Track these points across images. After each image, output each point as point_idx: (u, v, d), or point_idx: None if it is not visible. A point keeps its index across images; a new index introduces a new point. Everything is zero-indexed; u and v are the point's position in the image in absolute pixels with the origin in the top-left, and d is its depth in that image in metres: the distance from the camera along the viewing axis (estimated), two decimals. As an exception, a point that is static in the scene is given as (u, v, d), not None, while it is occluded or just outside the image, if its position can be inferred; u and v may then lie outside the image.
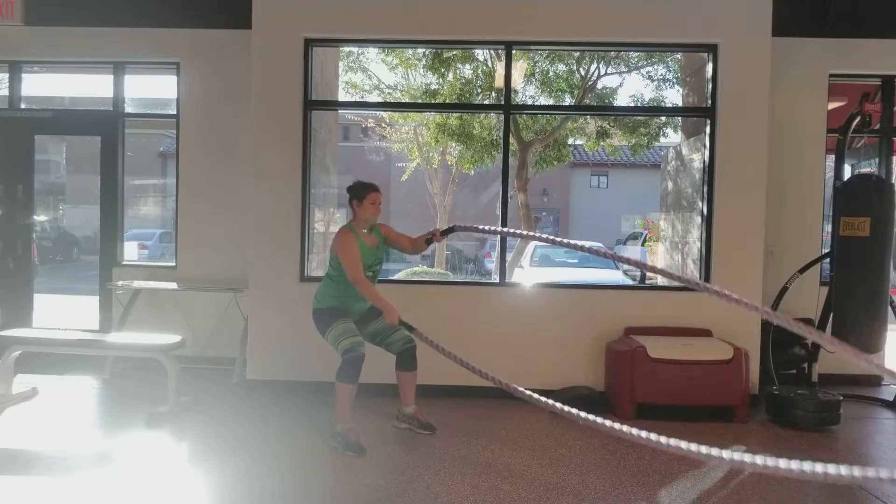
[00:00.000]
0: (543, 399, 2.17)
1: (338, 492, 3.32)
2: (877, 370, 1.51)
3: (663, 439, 1.52)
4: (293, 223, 5.12)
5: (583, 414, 1.81)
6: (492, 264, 14.36)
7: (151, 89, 7.64)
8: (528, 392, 2.27)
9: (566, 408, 1.86)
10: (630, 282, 11.86)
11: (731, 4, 5.00)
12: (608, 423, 1.78)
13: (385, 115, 13.59)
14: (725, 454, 1.31)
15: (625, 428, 1.68)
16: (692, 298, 5.16)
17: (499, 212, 5.63)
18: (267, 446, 3.88)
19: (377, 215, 4.03)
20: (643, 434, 1.60)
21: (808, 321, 5.18)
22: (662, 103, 10.60)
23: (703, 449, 1.37)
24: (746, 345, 4.76)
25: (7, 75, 6.14)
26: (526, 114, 11.31)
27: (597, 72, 10.61)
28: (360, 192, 3.98)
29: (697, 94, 5.78)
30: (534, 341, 5.05)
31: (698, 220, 5.38)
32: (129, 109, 6.23)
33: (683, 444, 1.41)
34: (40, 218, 16.62)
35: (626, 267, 15.11)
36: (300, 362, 4.97)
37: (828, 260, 4.92)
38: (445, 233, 4.08)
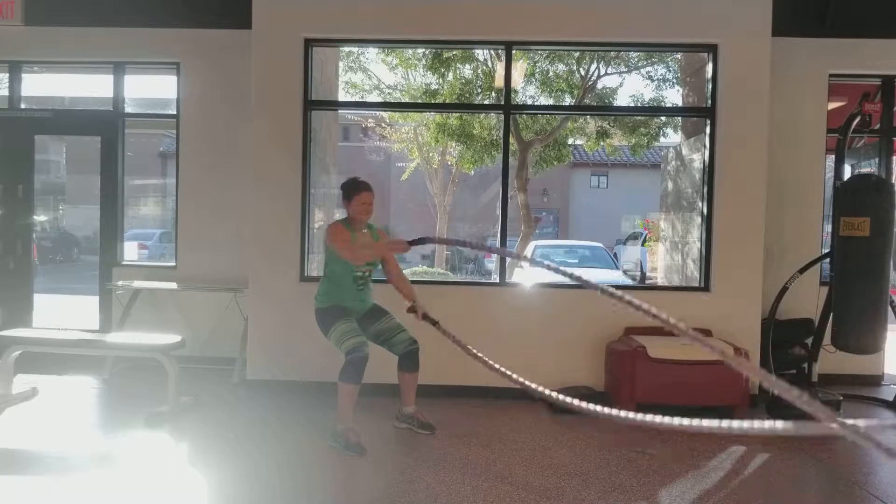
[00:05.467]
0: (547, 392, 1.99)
1: (338, 492, 3.33)
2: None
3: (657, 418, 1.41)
4: (293, 223, 5.12)
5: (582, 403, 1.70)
6: (492, 264, 14.36)
7: (151, 89, 7.66)
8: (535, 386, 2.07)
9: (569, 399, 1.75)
10: (630, 282, 11.87)
11: (731, 4, 5.00)
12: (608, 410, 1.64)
13: (385, 115, 13.61)
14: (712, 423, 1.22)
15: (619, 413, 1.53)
16: (692, 298, 5.17)
17: (499, 212, 5.63)
18: (267, 446, 3.88)
19: (366, 216, 3.95)
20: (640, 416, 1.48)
21: (808, 321, 5.19)
22: (662, 103, 10.60)
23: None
24: (746, 345, 4.75)
25: (7, 75, 6.14)
26: (526, 114, 11.31)
27: (597, 72, 10.60)
28: (350, 191, 3.92)
29: (697, 94, 5.78)
30: (534, 341, 5.05)
31: (698, 220, 5.38)
32: (129, 109, 6.24)
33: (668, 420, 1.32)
34: (40, 218, 16.64)
35: (626, 267, 15.15)
36: (300, 362, 4.97)
37: (828, 260, 4.92)
38: (427, 318, 3.85)
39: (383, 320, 4.07)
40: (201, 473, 3.50)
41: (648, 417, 1.38)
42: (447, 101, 10.22)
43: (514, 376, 2.08)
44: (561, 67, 10.43)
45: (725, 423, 1.25)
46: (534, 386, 1.96)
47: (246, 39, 5.18)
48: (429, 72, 10.43)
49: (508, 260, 7.05)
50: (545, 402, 4.83)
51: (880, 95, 5.71)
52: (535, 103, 10.81)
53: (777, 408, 4.53)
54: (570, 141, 12.59)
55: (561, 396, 1.78)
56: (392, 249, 3.90)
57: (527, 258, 2.46)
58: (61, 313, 7.88)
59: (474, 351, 2.72)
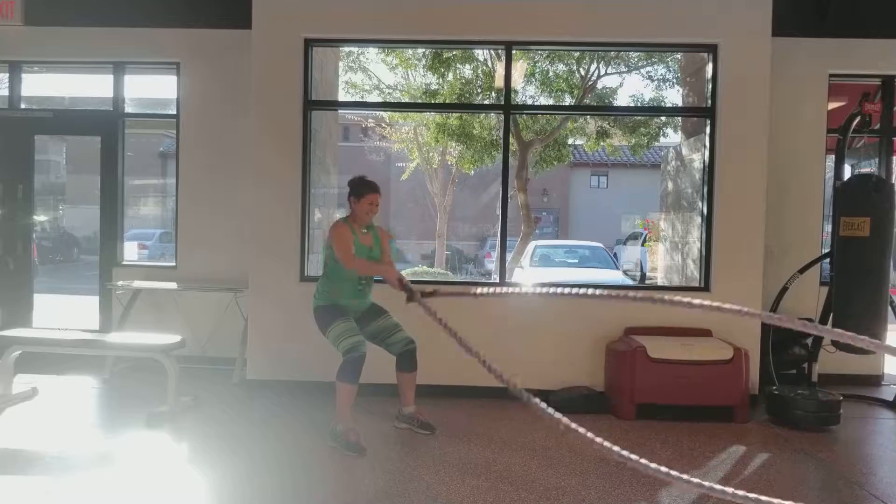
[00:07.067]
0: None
1: (338, 492, 3.32)
2: (880, 349, 1.43)
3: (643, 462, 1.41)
4: (293, 223, 5.12)
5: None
6: (492, 264, 14.36)
7: (151, 89, 7.65)
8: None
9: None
10: (630, 282, 11.86)
11: (731, 4, 5.00)
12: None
13: (385, 115, 13.60)
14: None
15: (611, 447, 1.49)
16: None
17: (499, 212, 5.63)
18: (267, 446, 3.88)
19: (372, 216, 4.00)
20: (624, 453, 1.47)
21: (808, 321, 5.19)
22: (662, 103, 10.61)
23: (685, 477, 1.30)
24: (746, 345, 4.75)
25: (7, 75, 6.14)
26: (526, 114, 11.31)
27: (597, 72, 10.61)
28: (360, 191, 3.96)
29: (697, 94, 5.78)
30: (534, 341, 5.05)
31: (698, 220, 5.38)
32: (129, 109, 6.23)
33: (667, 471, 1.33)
34: (40, 218, 16.62)
35: (626, 267, 15.14)
36: (300, 362, 4.97)
37: (828, 260, 4.92)
38: (426, 294, 3.71)
39: (381, 319, 4.07)
40: (201, 473, 3.50)
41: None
42: (447, 101, 10.22)
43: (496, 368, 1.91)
44: (561, 67, 10.44)
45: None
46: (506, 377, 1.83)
47: (246, 39, 5.18)
48: (429, 72, 10.44)
49: (508, 260, 7.05)
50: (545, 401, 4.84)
51: (880, 95, 5.70)
52: (535, 103, 10.82)
53: (777, 408, 4.52)
54: (570, 141, 12.59)
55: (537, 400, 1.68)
56: (389, 276, 3.64)
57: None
58: (61, 313, 7.88)
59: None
